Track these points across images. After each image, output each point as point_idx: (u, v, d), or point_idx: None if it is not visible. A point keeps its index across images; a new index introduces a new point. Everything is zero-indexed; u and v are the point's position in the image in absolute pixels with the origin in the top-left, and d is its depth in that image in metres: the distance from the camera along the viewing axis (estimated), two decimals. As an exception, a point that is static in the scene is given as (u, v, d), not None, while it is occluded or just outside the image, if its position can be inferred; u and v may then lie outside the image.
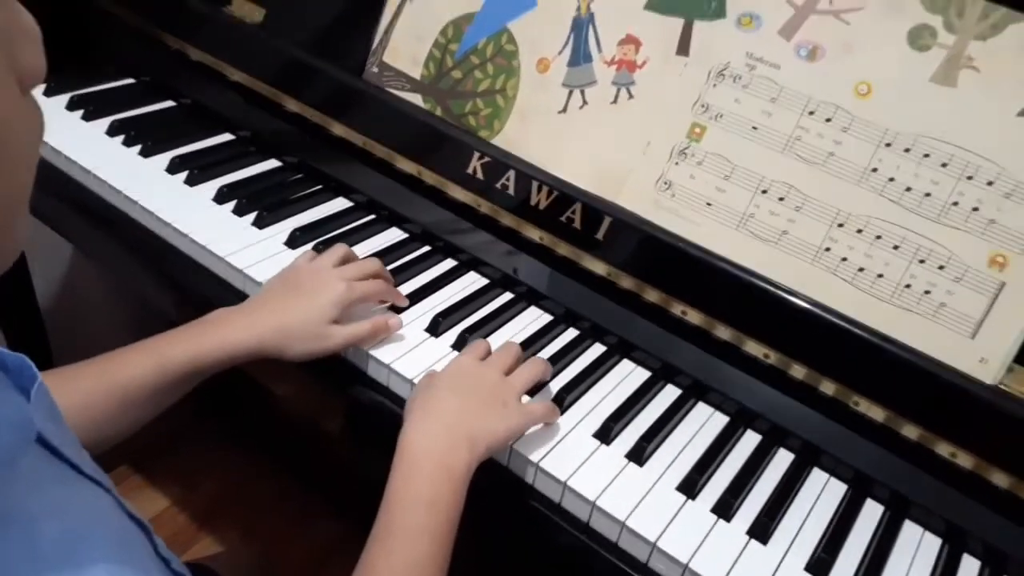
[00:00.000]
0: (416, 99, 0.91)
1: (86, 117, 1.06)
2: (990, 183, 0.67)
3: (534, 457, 0.72)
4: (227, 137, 1.09)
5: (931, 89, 0.68)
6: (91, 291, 1.56)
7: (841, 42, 0.70)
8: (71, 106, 1.07)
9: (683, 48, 0.77)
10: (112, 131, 1.03)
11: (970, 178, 0.67)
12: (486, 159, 0.86)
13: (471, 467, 0.65)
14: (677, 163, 0.77)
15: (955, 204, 0.68)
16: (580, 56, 0.80)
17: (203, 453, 1.66)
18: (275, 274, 0.80)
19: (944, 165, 0.68)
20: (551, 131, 0.82)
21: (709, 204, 0.75)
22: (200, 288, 0.90)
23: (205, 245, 0.89)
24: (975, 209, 0.67)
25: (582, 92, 0.81)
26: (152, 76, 1.16)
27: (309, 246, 0.91)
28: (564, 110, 0.82)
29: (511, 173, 0.85)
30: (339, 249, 0.82)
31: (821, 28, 0.71)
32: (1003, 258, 0.66)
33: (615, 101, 0.79)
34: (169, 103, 1.14)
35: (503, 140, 0.85)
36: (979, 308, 0.67)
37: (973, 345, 0.67)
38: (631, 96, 0.79)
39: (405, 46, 0.91)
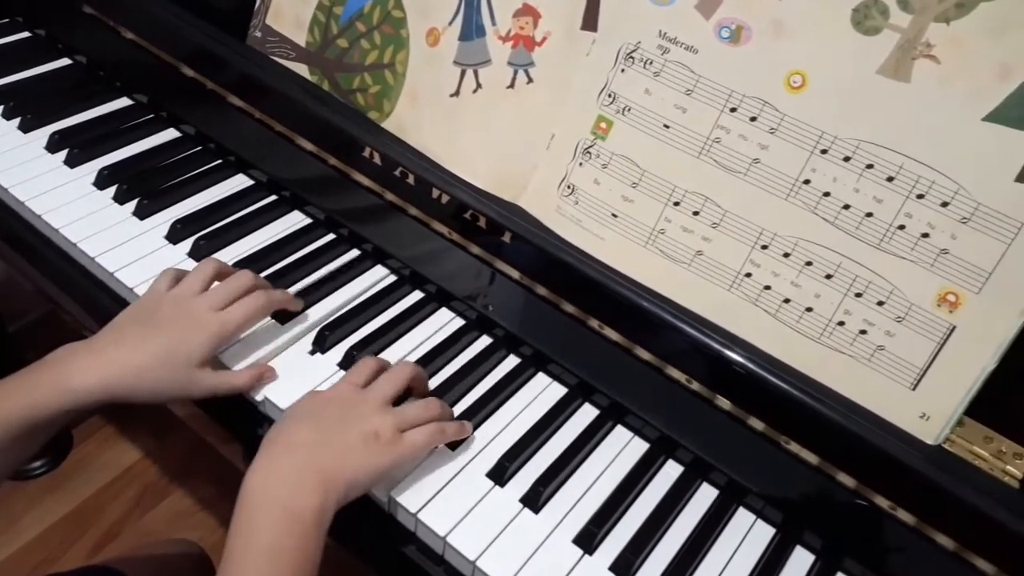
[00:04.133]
0: (302, 70, 0.78)
1: (-35, 85, 0.95)
2: (945, 204, 0.54)
3: (413, 505, 0.64)
4: (123, 103, 0.98)
5: (879, 83, 0.54)
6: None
7: (771, 21, 0.56)
8: (-53, 71, 0.96)
9: (590, 22, 0.63)
10: (-10, 102, 0.93)
11: (921, 196, 0.54)
12: (378, 146, 0.75)
13: (325, 511, 0.56)
14: (581, 164, 0.64)
15: (901, 228, 0.55)
16: (472, 29, 0.67)
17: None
18: (134, 302, 0.70)
19: (890, 179, 0.55)
20: (444, 117, 0.70)
21: (615, 215, 0.64)
22: (88, 293, 0.81)
23: (76, 242, 0.80)
24: (925, 235, 0.55)
25: (475, 73, 0.68)
26: (47, 29, 1.04)
27: (190, 240, 0.81)
28: (456, 93, 0.69)
29: (405, 164, 0.74)
30: (205, 268, 0.70)
31: (747, 4, 0.57)
32: (955, 296, 0.54)
33: (512, 85, 0.67)
34: (65, 61, 1.02)
35: (394, 124, 0.73)
36: (923, 354, 0.56)
37: (914, 398, 0.56)
38: (530, 79, 0.66)
39: (289, 6, 0.78)
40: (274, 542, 0.53)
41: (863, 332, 0.57)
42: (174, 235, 0.81)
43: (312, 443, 0.59)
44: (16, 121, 0.91)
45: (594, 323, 0.70)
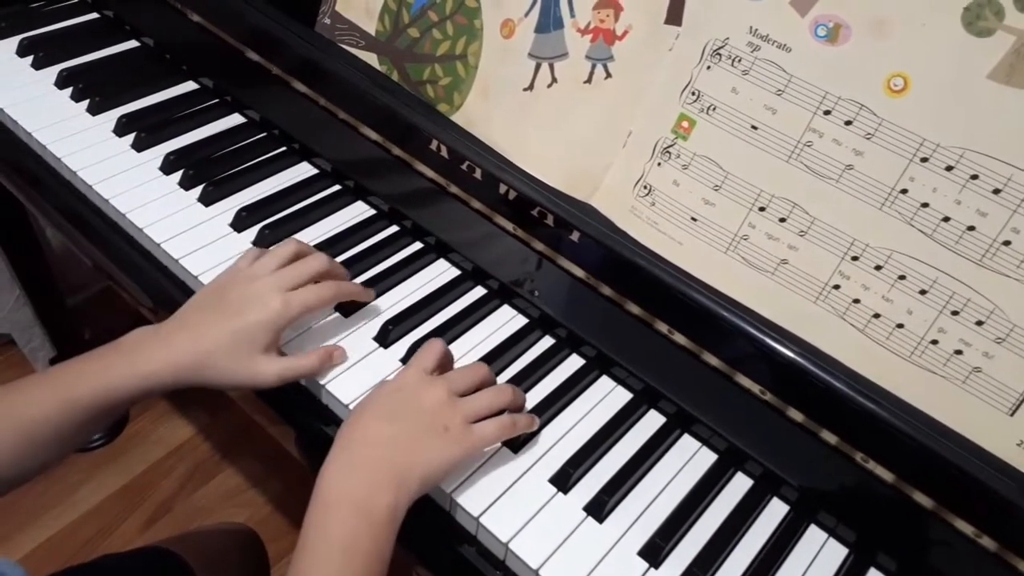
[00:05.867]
0: (371, 59, 0.77)
1: (36, 64, 0.96)
2: (1057, 220, 0.50)
3: (475, 508, 0.63)
4: (189, 87, 0.97)
5: (989, 89, 0.51)
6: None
7: (872, 20, 0.53)
8: (21, 51, 0.97)
9: (674, 16, 0.60)
10: (61, 82, 0.94)
11: (1030, 211, 0.51)
12: (446, 139, 0.73)
13: (398, 509, 0.56)
14: (659, 164, 0.62)
15: (1006, 243, 0.52)
16: (550, 21, 0.65)
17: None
18: (211, 279, 0.69)
19: (997, 191, 0.51)
20: (516, 112, 0.68)
21: (694, 219, 0.61)
22: (151, 277, 0.81)
23: (142, 227, 0.79)
24: (1032, 253, 0.51)
25: (551, 66, 0.66)
26: (115, 11, 1.05)
27: (255, 229, 0.81)
28: (530, 87, 0.67)
29: (473, 158, 0.72)
30: (284, 249, 0.69)
31: (846, 0, 0.54)
32: (1063, 319, 0.51)
33: (589, 80, 0.64)
34: (132, 43, 1.02)
35: (463, 117, 0.71)
36: (1024, 379, 0.52)
37: (1011, 424, 0.53)
38: (608, 74, 0.63)
39: (359, -6, 0.76)
40: (348, 541, 0.53)
41: (958, 352, 0.54)
42: (239, 223, 0.81)
43: (386, 439, 0.58)
44: (85, 103, 0.91)
45: (662, 327, 0.68)
